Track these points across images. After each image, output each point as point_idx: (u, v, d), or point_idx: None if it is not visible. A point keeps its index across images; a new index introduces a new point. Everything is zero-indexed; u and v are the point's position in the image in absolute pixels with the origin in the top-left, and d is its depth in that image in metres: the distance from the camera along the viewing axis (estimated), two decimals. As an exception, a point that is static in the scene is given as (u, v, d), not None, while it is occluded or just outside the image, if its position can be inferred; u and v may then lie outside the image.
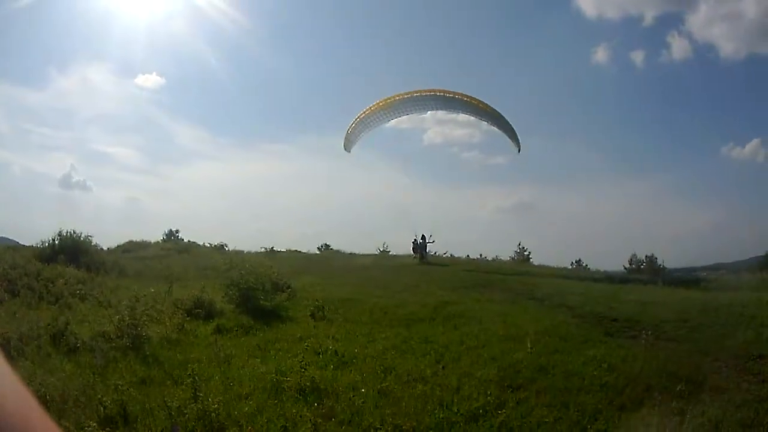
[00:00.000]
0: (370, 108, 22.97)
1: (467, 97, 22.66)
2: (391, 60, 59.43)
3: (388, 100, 22.70)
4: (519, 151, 24.39)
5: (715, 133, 54.52)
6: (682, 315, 12.20)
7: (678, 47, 50.26)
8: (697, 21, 55.49)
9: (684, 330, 11.20)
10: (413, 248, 27.29)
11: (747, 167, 48.14)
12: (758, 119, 52.25)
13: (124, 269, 17.82)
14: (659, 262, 28.81)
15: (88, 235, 18.76)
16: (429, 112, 23.33)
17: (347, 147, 24.42)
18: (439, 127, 49.87)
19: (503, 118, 22.91)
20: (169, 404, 6.81)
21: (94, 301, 12.50)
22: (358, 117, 23.28)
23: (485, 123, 23.98)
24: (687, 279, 22.28)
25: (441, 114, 44.11)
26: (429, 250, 27.14)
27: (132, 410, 6.79)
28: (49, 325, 9.54)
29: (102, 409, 6.60)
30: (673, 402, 7.24)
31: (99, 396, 6.87)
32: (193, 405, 6.76)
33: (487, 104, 22.83)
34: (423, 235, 26.78)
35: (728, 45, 59.34)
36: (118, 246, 25.73)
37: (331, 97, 61.71)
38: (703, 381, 8.04)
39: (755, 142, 50.81)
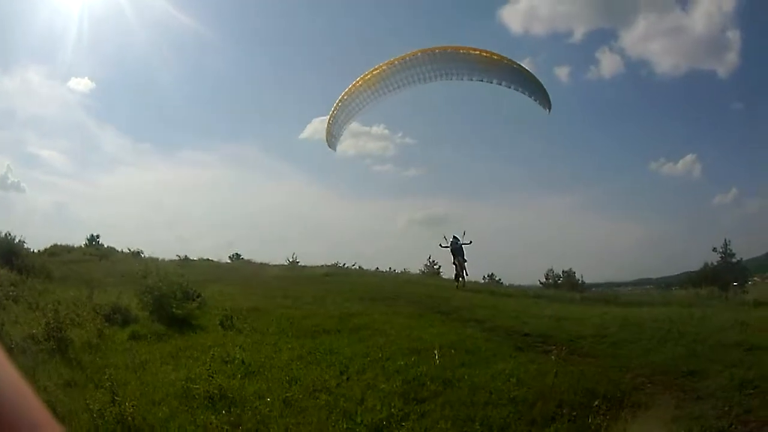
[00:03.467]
0: (354, 85, 18.65)
1: (478, 50, 17.82)
2: (320, 72, 60.07)
3: (375, 72, 18.35)
4: (549, 111, 19.66)
5: (646, 148, 57.67)
6: (600, 330, 11.88)
7: (608, 63, 52.70)
8: (632, 37, 57.30)
9: (603, 345, 10.93)
10: (455, 273, 20.64)
11: (680, 183, 50.90)
12: (694, 136, 54.85)
13: (50, 273, 17.93)
14: (578, 277, 28.19)
15: (21, 238, 18.97)
16: (427, 82, 17.62)
17: (330, 143, 20.49)
18: (353, 139, 50.97)
19: (528, 72, 18.75)
20: (91, 407, 7.48)
21: (25, 304, 12.86)
22: (340, 100, 19.16)
23: (503, 85, 18.54)
24: (606, 295, 21.53)
25: (355, 126, 43.23)
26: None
27: (60, 411, 7.35)
28: (-15, 326, 9.99)
29: (34, 410, 7.54)
30: (588, 418, 7.19)
31: (32, 397, 7.77)
32: (111, 408, 7.47)
33: (505, 57, 18.14)
34: (455, 236, 20.85)
35: (666, 61, 62.04)
36: (45, 249, 25.23)
37: (253, 104, 61.70)
38: (623, 397, 7.91)
39: (689, 158, 53.33)
